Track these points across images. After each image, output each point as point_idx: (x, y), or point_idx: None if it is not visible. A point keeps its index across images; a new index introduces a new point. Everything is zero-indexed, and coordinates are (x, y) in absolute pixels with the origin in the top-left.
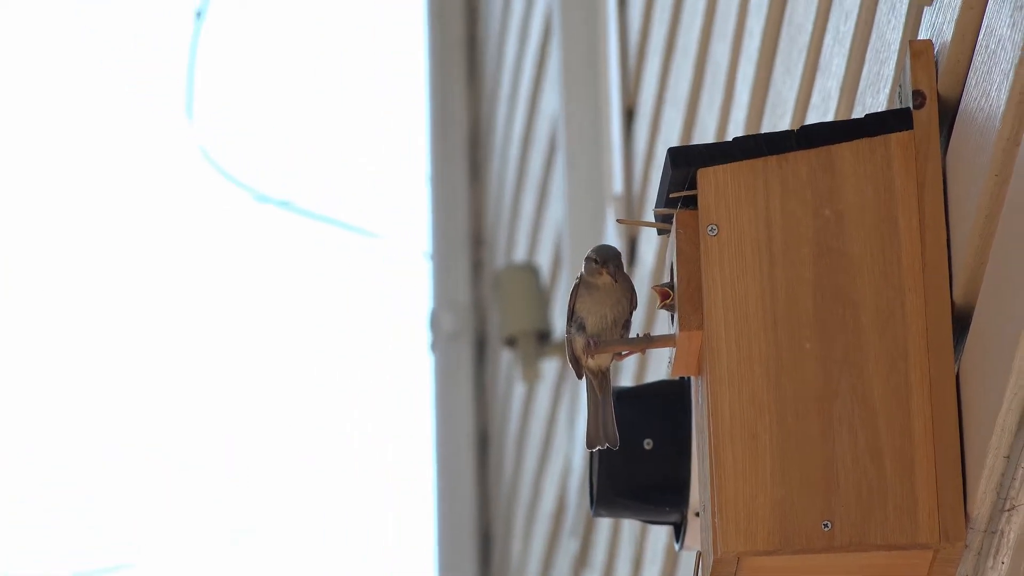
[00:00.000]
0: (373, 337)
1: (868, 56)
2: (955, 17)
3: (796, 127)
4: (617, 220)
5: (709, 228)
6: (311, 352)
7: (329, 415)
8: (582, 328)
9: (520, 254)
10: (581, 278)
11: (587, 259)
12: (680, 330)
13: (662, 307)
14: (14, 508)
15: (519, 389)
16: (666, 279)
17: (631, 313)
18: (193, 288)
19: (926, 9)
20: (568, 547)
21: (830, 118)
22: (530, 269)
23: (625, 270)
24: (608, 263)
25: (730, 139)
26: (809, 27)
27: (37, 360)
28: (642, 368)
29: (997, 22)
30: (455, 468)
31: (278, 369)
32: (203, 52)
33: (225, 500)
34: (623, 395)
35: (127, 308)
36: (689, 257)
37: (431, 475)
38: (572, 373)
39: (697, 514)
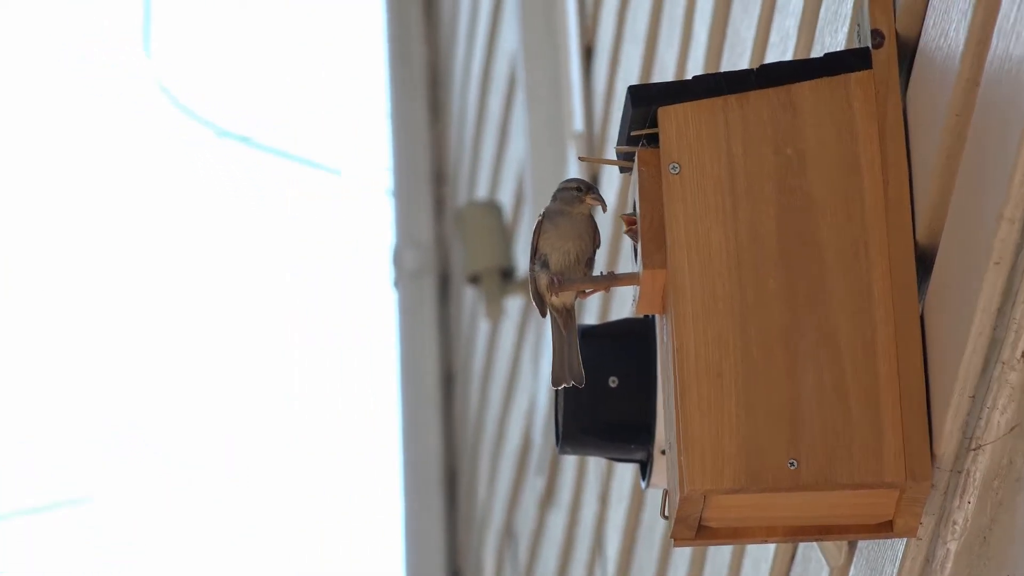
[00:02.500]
0: (336, 274)
1: None
2: None
3: (755, 66)
4: (579, 158)
5: (671, 166)
6: (273, 290)
7: (293, 354)
8: (546, 265)
9: (482, 192)
10: (544, 215)
11: (563, 189)
12: (644, 268)
13: (627, 232)
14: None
15: (483, 326)
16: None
17: (594, 251)
18: (154, 226)
19: None
20: (534, 484)
21: (789, 57)
22: (492, 206)
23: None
24: (591, 189)
25: (690, 77)
26: None
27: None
28: (606, 306)
29: None
30: (420, 406)
31: (241, 308)
32: None
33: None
34: (588, 333)
35: (90, 248)
36: (651, 195)
37: (396, 413)
38: (536, 311)
39: (663, 452)
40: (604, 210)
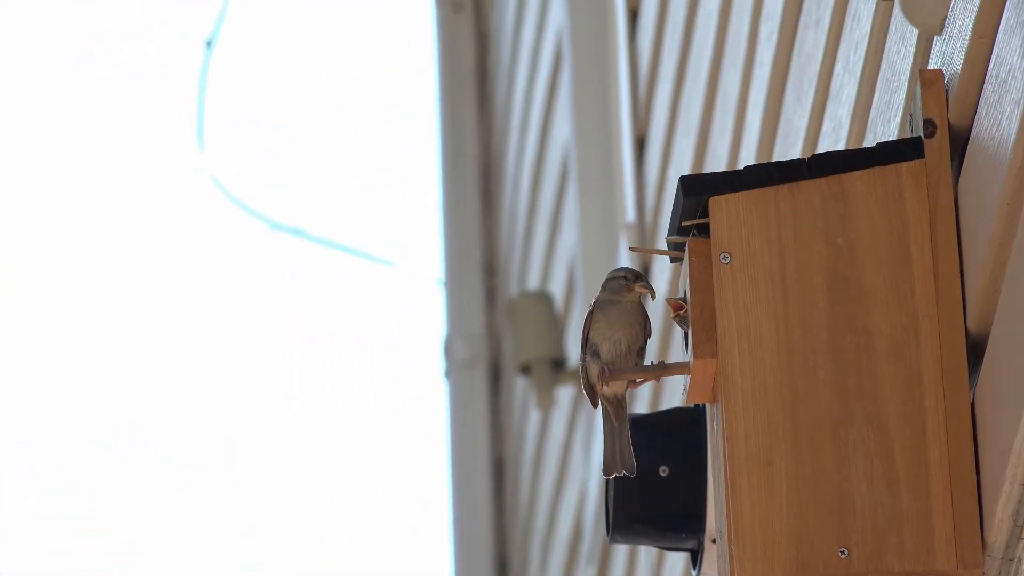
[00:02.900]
0: (388, 365)
1: (879, 85)
2: (965, 46)
3: (807, 155)
4: (630, 248)
5: (722, 256)
6: (327, 380)
7: (347, 443)
8: (596, 355)
9: (533, 282)
10: (595, 305)
11: (612, 278)
12: (695, 358)
13: (675, 319)
14: (13, 509)
15: (534, 416)
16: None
17: (645, 340)
18: (208, 318)
19: (936, 39)
20: (585, 574)
21: (841, 147)
22: (543, 296)
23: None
24: (640, 277)
25: (742, 167)
26: (819, 56)
27: (42, 365)
28: (657, 395)
29: (1007, 51)
30: (471, 496)
31: (295, 398)
32: (213, 80)
33: (238, 533)
34: (638, 422)
35: (145, 340)
36: (702, 285)
37: (447, 503)
38: (587, 401)
39: (714, 540)
40: (653, 298)
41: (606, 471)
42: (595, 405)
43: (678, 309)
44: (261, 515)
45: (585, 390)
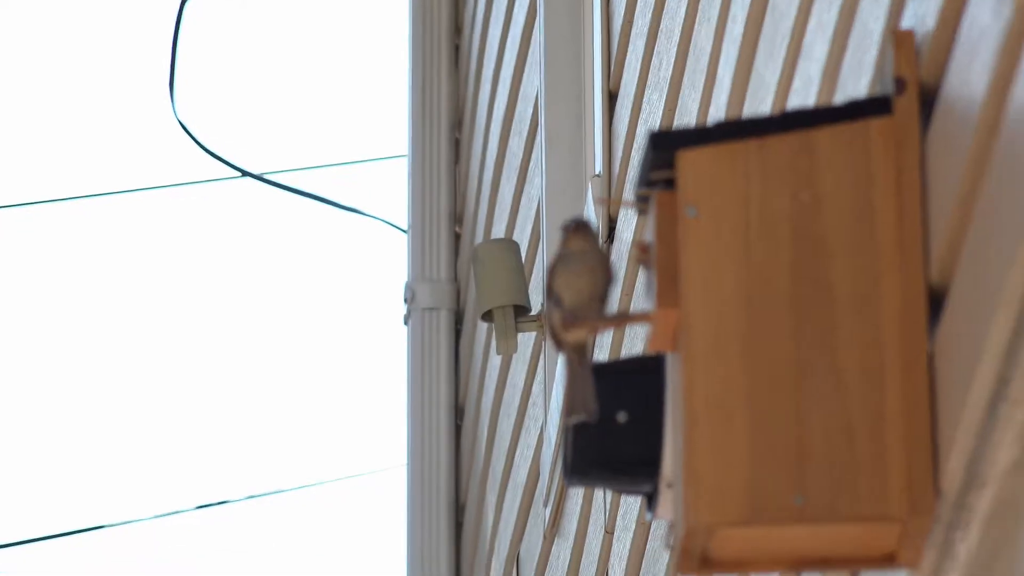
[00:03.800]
0: (350, 309)
1: (850, 43)
2: (939, 6)
3: (777, 111)
4: (597, 199)
5: (688, 209)
6: (291, 325)
7: (308, 388)
8: (560, 303)
9: (500, 231)
10: (559, 254)
11: (560, 228)
12: (657, 307)
13: (640, 260)
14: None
15: (495, 362)
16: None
17: (608, 288)
18: (175, 263)
19: None
20: (542, 516)
21: (811, 103)
22: (509, 244)
23: (603, 247)
24: (577, 226)
25: (711, 122)
26: (793, 13)
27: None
28: (619, 344)
29: (979, 11)
30: (430, 440)
31: (254, 341)
32: (185, 26)
33: (196, 472)
34: (600, 369)
35: (110, 286)
36: (667, 237)
37: (406, 446)
38: (549, 346)
39: (670, 486)
40: (589, 247)
41: (567, 415)
42: (559, 351)
43: (644, 252)
44: (221, 456)
45: (550, 337)
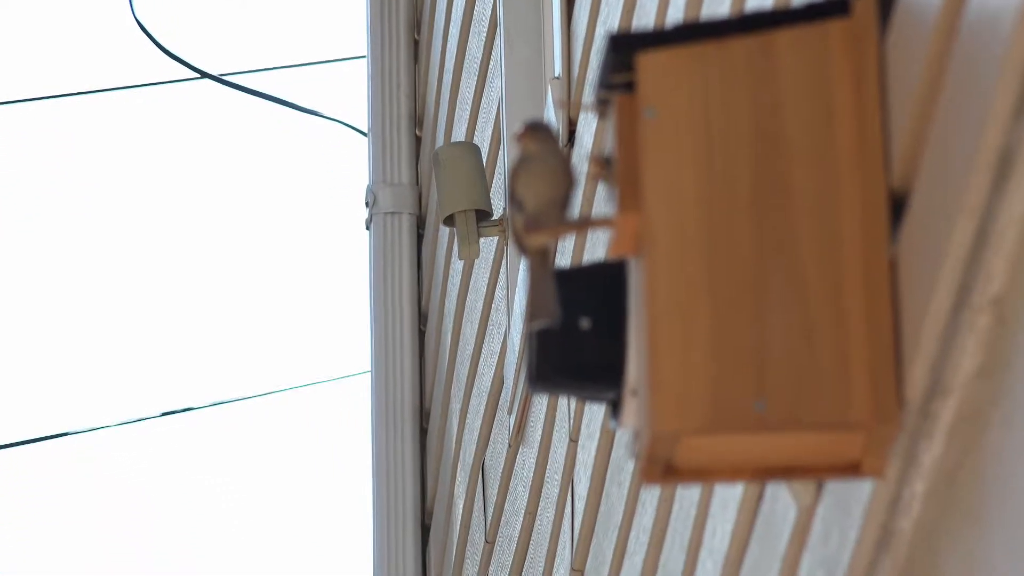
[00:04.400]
0: (312, 214)
1: None
2: None
3: (736, 13)
4: (557, 101)
5: (647, 111)
6: (249, 228)
7: (270, 294)
8: (521, 208)
9: (460, 134)
10: (520, 158)
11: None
12: (618, 212)
13: (597, 176)
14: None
15: (458, 267)
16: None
17: (570, 192)
18: (134, 165)
19: None
20: (506, 424)
21: (770, 5)
22: (470, 147)
23: (564, 151)
24: (527, 128)
25: (669, 25)
26: None
27: None
28: (581, 249)
29: None
30: (393, 346)
31: (216, 246)
32: None
33: (159, 377)
34: (562, 275)
35: (70, 189)
36: (627, 140)
37: (368, 353)
38: (511, 251)
39: (634, 393)
40: (551, 148)
41: (529, 321)
42: (522, 255)
43: (600, 167)
44: (185, 364)
45: (512, 242)
